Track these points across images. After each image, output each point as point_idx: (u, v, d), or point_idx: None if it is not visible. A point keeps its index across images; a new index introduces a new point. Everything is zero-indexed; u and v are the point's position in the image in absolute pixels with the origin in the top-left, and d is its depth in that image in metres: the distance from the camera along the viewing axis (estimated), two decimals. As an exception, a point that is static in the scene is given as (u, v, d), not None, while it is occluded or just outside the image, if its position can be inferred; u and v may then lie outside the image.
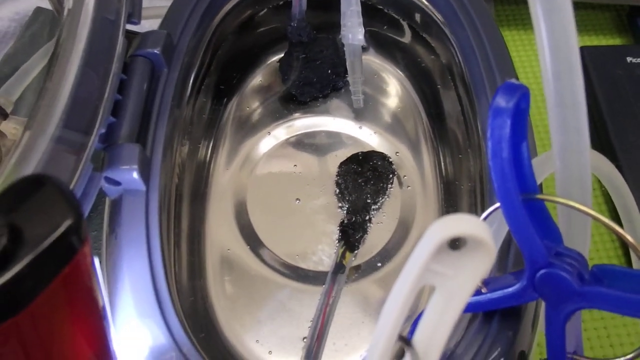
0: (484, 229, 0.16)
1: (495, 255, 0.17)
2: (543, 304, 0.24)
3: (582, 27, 0.55)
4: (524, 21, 0.55)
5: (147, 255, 0.27)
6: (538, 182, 0.25)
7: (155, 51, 0.32)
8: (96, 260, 0.18)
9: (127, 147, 0.28)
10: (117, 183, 0.28)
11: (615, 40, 0.54)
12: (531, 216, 0.22)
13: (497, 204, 0.23)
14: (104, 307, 0.19)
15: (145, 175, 0.29)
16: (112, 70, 0.29)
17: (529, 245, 0.22)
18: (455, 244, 0.17)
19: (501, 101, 0.21)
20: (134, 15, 0.32)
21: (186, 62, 0.35)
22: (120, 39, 0.30)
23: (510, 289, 0.24)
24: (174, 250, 0.32)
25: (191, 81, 0.37)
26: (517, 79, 0.37)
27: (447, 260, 0.17)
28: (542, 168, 0.27)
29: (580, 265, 0.22)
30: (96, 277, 0.18)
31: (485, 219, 0.25)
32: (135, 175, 0.28)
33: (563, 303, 0.22)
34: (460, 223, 0.17)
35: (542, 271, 0.22)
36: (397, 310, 0.17)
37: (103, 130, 0.28)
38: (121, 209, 0.28)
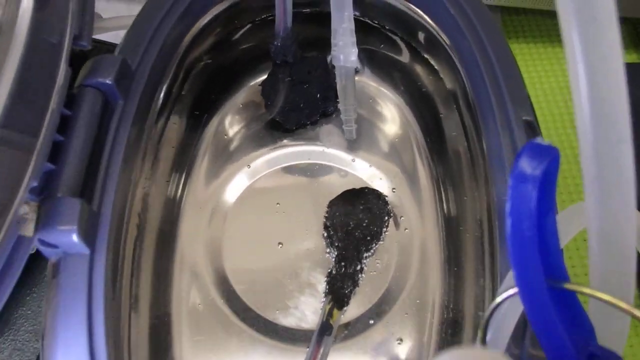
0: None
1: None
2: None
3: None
4: (532, 32, 0.51)
5: (87, 339, 0.22)
6: (562, 245, 0.20)
7: (107, 81, 0.27)
8: None
9: (66, 203, 0.23)
10: (54, 246, 0.23)
11: (631, 57, 0.49)
12: (557, 306, 0.18)
13: (514, 289, 0.19)
14: None
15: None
16: (51, 106, 0.24)
17: (554, 343, 0.18)
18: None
19: (526, 166, 0.16)
20: (83, 37, 0.27)
21: (149, 90, 0.30)
22: (63, 67, 0.25)
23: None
24: (129, 317, 0.27)
25: (157, 111, 0.32)
26: (530, 101, 0.32)
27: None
28: (567, 228, 0.22)
29: (621, 376, 0.18)
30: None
31: (498, 305, 0.20)
32: (74, 238, 0.23)
33: None
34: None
35: (572, 382, 0.17)
36: None
37: (35, 184, 0.23)
38: (59, 279, 0.23)
